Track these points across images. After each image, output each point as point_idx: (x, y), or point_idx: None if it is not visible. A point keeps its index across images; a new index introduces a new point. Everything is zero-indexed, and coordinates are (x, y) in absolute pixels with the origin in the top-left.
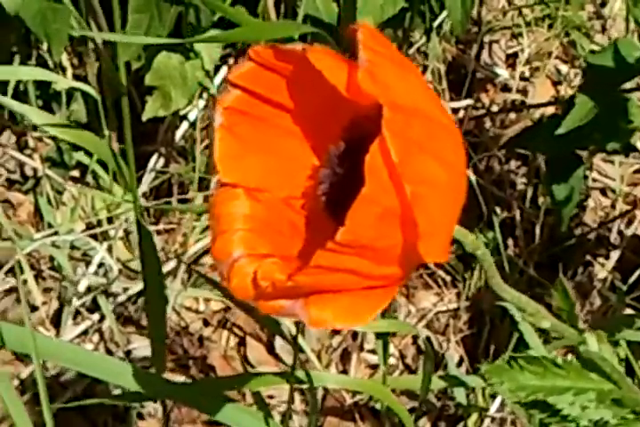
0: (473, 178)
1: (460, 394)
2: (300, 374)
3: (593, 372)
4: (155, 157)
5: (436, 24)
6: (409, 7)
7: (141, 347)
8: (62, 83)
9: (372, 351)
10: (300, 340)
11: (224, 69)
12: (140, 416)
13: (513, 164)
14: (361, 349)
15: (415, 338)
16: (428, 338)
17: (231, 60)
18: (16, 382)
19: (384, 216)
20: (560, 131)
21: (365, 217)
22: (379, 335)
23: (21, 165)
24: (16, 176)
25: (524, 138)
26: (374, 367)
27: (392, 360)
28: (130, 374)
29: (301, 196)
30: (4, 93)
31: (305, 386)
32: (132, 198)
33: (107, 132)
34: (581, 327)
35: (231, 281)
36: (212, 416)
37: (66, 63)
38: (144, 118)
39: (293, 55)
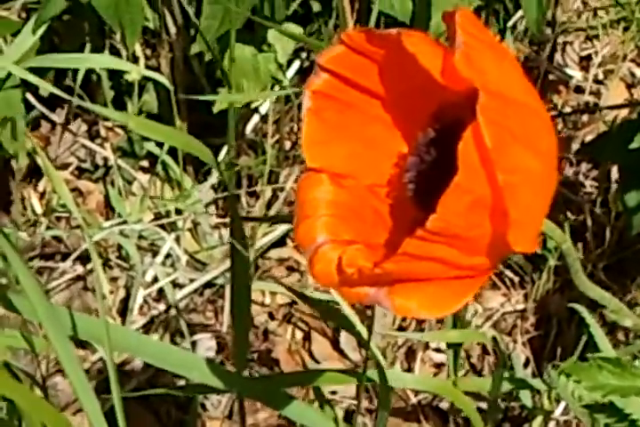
0: None
1: (525, 396)
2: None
3: None
4: (224, 149)
5: (510, 24)
6: (484, 6)
7: (206, 338)
8: (134, 72)
9: (438, 350)
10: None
11: (297, 63)
12: (204, 407)
13: (584, 166)
14: (426, 347)
15: None
16: (494, 338)
17: (304, 54)
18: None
19: (475, 205)
20: (634, 145)
21: (457, 205)
22: (450, 345)
23: (92, 153)
24: (87, 165)
25: (597, 147)
26: (439, 366)
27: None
28: (197, 366)
29: (387, 183)
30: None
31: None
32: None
33: (178, 123)
34: None
35: (314, 267)
36: (276, 410)
37: (139, 54)
38: (215, 110)
39: (387, 39)
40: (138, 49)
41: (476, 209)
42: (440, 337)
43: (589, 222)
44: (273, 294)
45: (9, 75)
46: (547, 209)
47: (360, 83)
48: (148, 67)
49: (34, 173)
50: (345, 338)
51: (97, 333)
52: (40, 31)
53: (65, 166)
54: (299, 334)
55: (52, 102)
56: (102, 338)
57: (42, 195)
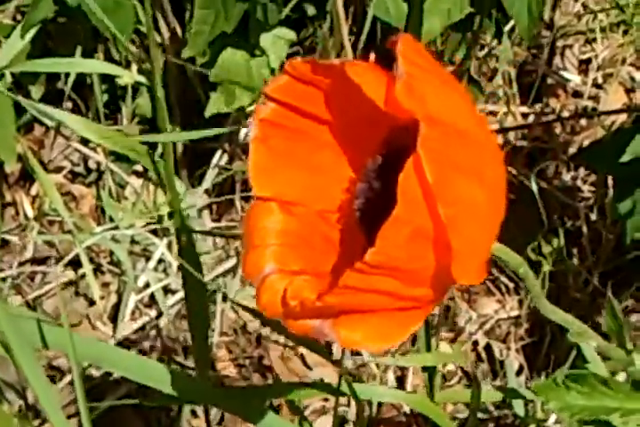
0: (535, 187)
1: (518, 405)
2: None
3: None
4: (218, 153)
5: (507, 28)
6: (477, 12)
7: None
8: (126, 76)
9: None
10: (365, 354)
11: None
12: (195, 414)
13: (582, 171)
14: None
15: (475, 345)
16: (487, 345)
17: (299, 59)
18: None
19: (416, 237)
20: (624, 158)
21: (396, 238)
22: (424, 369)
23: (85, 158)
24: (80, 169)
25: (591, 154)
26: None
27: (451, 367)
28: (167, 378)
29: (337, 210)
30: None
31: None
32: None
33: (169, 127)
34: (630, 348)
35: (261, 297)
36: (251, 423)
37: (131, 57)
38: (207, 114)
39: (331, 69)
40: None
41: (417, 241)
42: (414, 361)
43: (585, 228)
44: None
45: None
46: (493, 239)
47: (307, 110)
48: (141, 70)
49: (26, 177)
50: (338, 345)
51: (64, 343)
52: (29, 35)
53: (58, 170)
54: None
55: (46, 104)
56: (68, 348)
57: (34, 199)
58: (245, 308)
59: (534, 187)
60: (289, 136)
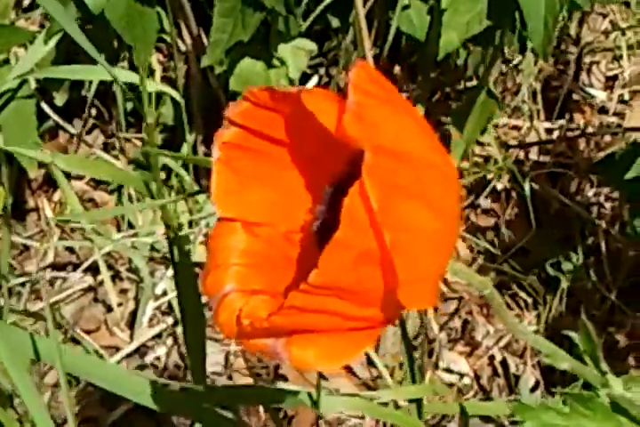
0: (556, 203)
1: None
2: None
3: (621, 414)
4: None
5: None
6: (496, 25)
7: (213, 353)
8: (149, 85)
9: (447, 370)
10: (374, 356)
11: (315, 78)
12: None
13: (605, 188)
14: (436, 367)
15: (492, 359)
16: (504, 360)
17: (322, 70)
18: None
19: (360, 260)
20: (629, 175)
21: (339, 260)
22: (411, 401)
23: (109, 165)
24: None
25: (603, 167)
26: (449, 386)
27: (466, 380)
28: (145, 391)
29: (300, 230)
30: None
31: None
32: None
33: (190, 137)
34: (604, 369)
35: (219, 316)
36: None
37: (156, 65)
38: None
39: (289, 97)
40: (154, 60)
41: (363, 264)
42: (397, 394)
43: (604, 245)
44: None
45: (21, 84)
46: (444, 265)
47: (268, 134)
48: (164, 78)
49: (49, 183)
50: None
51: (52, 355)
52: (52, 42)
53: (81, 177)
54: None
55: (69, 113)
56: (56, 360)
57: (56, 205)
58: None
59: (555, 202)
60: (252, 157)
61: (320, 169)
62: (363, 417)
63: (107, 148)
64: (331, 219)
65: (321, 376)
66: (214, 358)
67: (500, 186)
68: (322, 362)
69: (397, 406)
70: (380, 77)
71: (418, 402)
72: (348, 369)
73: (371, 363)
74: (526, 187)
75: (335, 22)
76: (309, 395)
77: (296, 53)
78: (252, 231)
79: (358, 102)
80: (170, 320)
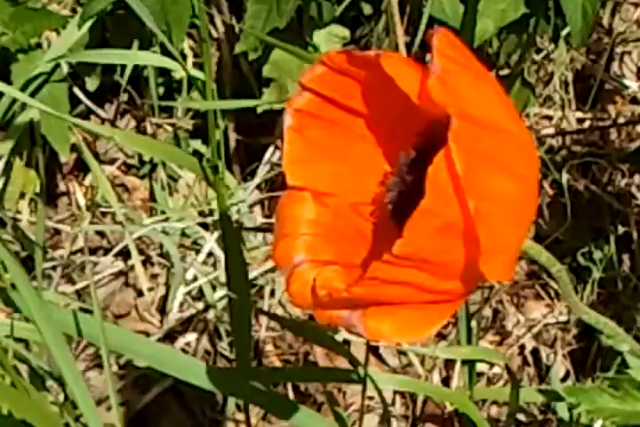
0: (587, 192)
1: (561, 409)
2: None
3: None
4: (271, 149)
5: (565, 32)
6: (532, 13)
7: None
8: (181, 71)
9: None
10: (405, 343)
11: None
12: (239, 408)
13: (637, 178)
14: None
15: (522, 349)
16: (534, 350)
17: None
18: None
19: (444, 230)
20: None
21: (424, 230)
22: (464, 362)
23: None
24: (133, 161)
25: (636, 156)
26: (479, 375)
27: (497, 370)
28: (192, 369)
29: (371, 202)
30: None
31: (406, 389)
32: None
33: (222, 123)
34: None
35: (290, 287)
36: (282, 419)
37: (187, 51)
38: (259, 110)
39: (367, 61)
40: (186, 46)
41: (446, 234)
42: (452, 353)
43: (636, 235)
44: None
45: (55, 68)
46: (524, 237)
47: (342, 102)
48: (196, 64)
49: (80, 167)
50: (384, 343)
51: (95, 333)
52: (85, 26)
53: (112, 161)
54: (338, 337)
55: (101, 98)
56: (99, 338)
57: (87, 189)
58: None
59: (586, 192)
60: (324, 127)
61: (393, 140)
62: (392, 404)
63: (138, 132)
64: (405, 190)
65: (350, 363)
66: None
67: None
68: (398, 335)
69: (446, 379)
70: (461, 44)
71: (471, 366)
72: (378, 356)
73: (401, 351)
74: (564, 178)
75: (367, 9)
76: (357, 373)
77: (330, 40)
78: (321, 201)
79: (443, 67)
80: (200, 306)
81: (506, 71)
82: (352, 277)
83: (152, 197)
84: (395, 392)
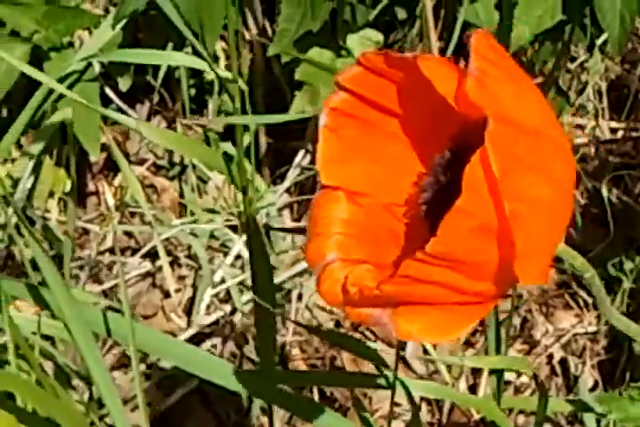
0: (619, 202)
1: (589, 420)
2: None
3: None
4: (301, 153)
5: (600, 41)
6: (568, 20)
7: None
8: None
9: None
10: (432, 351)
11: None
12: (264, 411)
13: None
14: None
15: (550, 358)
16: (563, 360)
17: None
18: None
19: (479, 231)
20: None
21: (458, 230)
22: (492, 371)
23: (169, 151)
24: (163, 162)
25: None
26: (506, 384)
27: (524, 379)
28: (219, 370)
29: (404, 203)
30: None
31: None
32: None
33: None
34: None
35: (321, 285)
36: (308, 421)
37: (220, 53)
38: (290, 113)
39: (404, 62)
40: (219, 48)
41: (480, 235)
42: (480, 362)
43: None
44: None
45: (87, 68)
46: (558, 240)
47: (379, 102)
48: (228, 67)
49: (110, 167)
50: (411, 349)
51: (123, 332)
52: (119, 26)
53: (142, 162)
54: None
55: (133, 98)
56: (127, 337)
57: (117, 189)
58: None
59: (618, 202)
60: (359, 126)
61: (428, 141)
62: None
63: None
64: (439, 191)
65: (377, 369)
66: None
67: None
68: (428, 335)
69: (473, 386)
70: (499, 46)
71: (499, 375)
72: (405, 363)
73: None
74: (603, 188)
75: (402, 13)
76: (386, 378)
77: (363, 44)
78: (355, 201)
79: (480, 69)
80: (227, 308)
81: (540, 79)
82: (383, 276)
83: (181, 199)
84: (421, 399)
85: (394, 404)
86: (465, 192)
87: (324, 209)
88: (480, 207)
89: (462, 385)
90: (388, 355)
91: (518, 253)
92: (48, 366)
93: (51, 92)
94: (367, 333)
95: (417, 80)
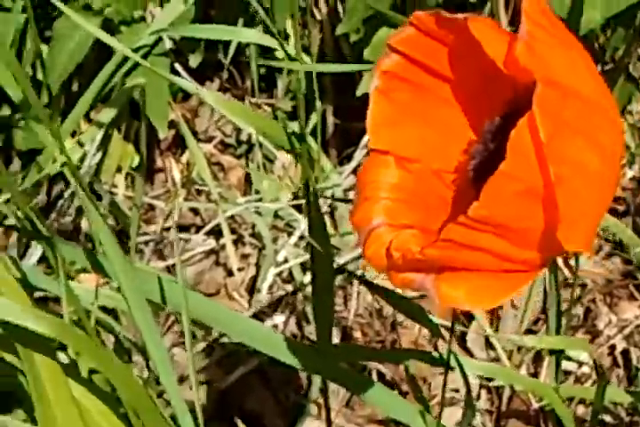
0: None
1: None
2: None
3: None
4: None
5: None
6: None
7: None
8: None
9: (566, 357)
10: (493, 338)
11: None
12: (326, 394)
13: None
14: (550, 353)
15: (612, 349)
16: (625, 351)
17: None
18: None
19: (523, 195)
20: None
21: (502, 193)
22: (552, 352)
23: (237, 129)
24: (231, 140)
25: None
26: (566, 373)
27: (585, 369)
28: (279, 345)
29: (454, 170)
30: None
31: (493, 384)
32: None
33: (319, 106)
34: None
35: (367, 249)
36: (366, 401)
37: (290, 31)
38: (358, 93)
39: (455, 23)
40: (289, 26)
41: (524, 200)
42: (539, 342)
43: None
44: None
45: (157, 43)
46: (605, 208)
47: (430, 65)
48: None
49: (178, 144)
50: (472, 336)
51: (179, 300)
52: (190, 1)
53: (209, 140)
54: (426, 329)
55: (202, 75)
56: (181, 306)
57: (184, 166)
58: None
59: None
60: (411, 90)
61: (479, 106)
62: (478, 399)
63: None
64: (488, 158)
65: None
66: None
67: (630, 173)
68: (471, 301)
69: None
70: (550, 12)
71: (558, 355)
72: (465, 349)
73: (489, 345)
74: None
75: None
76: (440, 356)
77: None
78: (404, 166)
79: (530, 33)
80: (290, 288)
81: (610, 66)
82: (429, 242)
83: (247, 178)
84: (480, 387)
85: (452, 390)
86: (510, 156)
87: (372, 173)
88: (525, 171)
89: (523, 373)
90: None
91: (562, 219)
92: (109, 340)
93: (120, 66)
94: None
95: (467, 43)
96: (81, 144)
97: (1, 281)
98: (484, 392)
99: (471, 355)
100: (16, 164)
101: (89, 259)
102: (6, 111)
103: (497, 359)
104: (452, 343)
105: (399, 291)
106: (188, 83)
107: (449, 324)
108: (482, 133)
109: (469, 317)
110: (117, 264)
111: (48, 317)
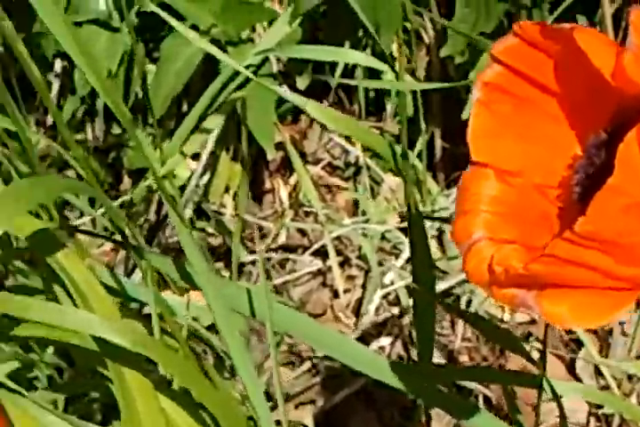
0: None
1: None
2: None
3: None
4: None
5: None
6: None
7: (436, 348)
8: (389, 73)
9: None
10: (603, 366)
11: None
12: (428, 415)
13: None
14: None
15: None
16: None
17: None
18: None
19: (631, 210)
20: None
21: (609, 208)
22: None
23: (346, 151)
24: (339, 162)
25: None
26: None
27: None
28: (377, 365)
29: (558, 185)
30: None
31: (602, 411)
32: None
33: (423, 126)
34: None
35: (467, 264)
36: (466, 424)
37: (396, 54)
38: (464, 116)
39: (560, 34)
40: (394, 49)
41: (632, 214)
42: (636, 367)
43: None
44: (513, 310)
45: (263, 63)
46: None
47: (533, 77)
48: (407, 69)
49: (287, 166)
50: (582, 363)
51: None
52: (295, 23)
53: (317, 162)
54: (535, 354)
55: (309, 98)
56: (266, 317)
57: (292, 188)
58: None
59: None
60: (513, 102)
61: (584, 120)
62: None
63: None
64: (594, 173)
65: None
66: (435, 353)
67: None
68: (574, 318)
69: None
70: None
71: None
72: (574, 376)
73: (599, 373)
74: None
75: (582, 20)
76: (544, 378)
77: None
78: (505, 180)
79: (639, 45)
80: (396, 311)
81: None
82: (531, 258)
83: (355, 200)
84: (589, 414)
85: (563, 417)
86: (618, 169)
87: (473, 186)
88: (633, 185)
89: (633, 402)
90: (558, 365)
91: None
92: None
93: (225, 85)
94: (536, 344)
95: (573, 54)
96: (184, 155)
97: (92, 295)
98: (592, 420)
99: (580, 382)
100: (127, 182)
101: (178, 271)
102: (117, 130)
103: (606, 387)
104: (561, 370)
105: (493, 321)
106: (295, 96)
107: (559, 352)
108: (586, 148)
109: (579, 343)
110: (202, 276)
111: (132, 331)
